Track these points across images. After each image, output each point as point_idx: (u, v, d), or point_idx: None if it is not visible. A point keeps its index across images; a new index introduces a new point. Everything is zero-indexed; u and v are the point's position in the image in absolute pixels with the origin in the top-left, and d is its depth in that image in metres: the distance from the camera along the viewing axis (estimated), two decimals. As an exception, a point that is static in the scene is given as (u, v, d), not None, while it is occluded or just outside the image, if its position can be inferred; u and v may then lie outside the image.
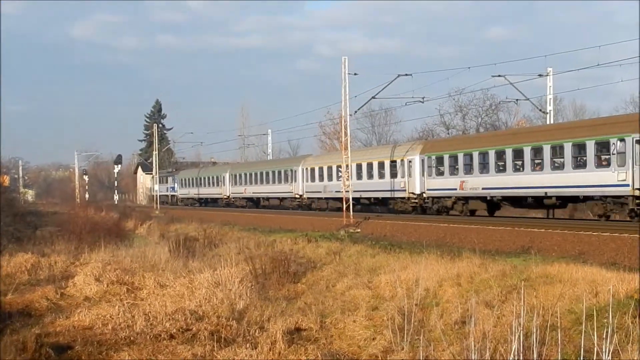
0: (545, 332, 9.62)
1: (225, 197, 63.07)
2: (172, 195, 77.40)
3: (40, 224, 39.89)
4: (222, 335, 12.53)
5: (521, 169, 30.38)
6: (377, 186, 39.95)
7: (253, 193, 57.64)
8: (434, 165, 35.72)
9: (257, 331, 12.69)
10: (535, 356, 8.92)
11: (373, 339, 12.18)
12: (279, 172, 52.62)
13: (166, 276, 18.59)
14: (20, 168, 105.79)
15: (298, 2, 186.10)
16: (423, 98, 38.65)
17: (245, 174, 59.26)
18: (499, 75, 37.10)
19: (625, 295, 11.93)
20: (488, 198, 32.60)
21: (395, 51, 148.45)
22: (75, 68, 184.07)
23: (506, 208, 34.44)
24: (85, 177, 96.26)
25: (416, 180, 36.91)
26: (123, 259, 22.39)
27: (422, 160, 36.55)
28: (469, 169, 33.36)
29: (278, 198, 53.97)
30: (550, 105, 40.76)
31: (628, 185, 24.96)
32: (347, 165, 35.10)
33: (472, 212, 33.96)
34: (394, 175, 38.71)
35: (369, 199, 41.59)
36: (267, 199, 56.21)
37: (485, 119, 61.16)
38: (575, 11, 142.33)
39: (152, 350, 12.13)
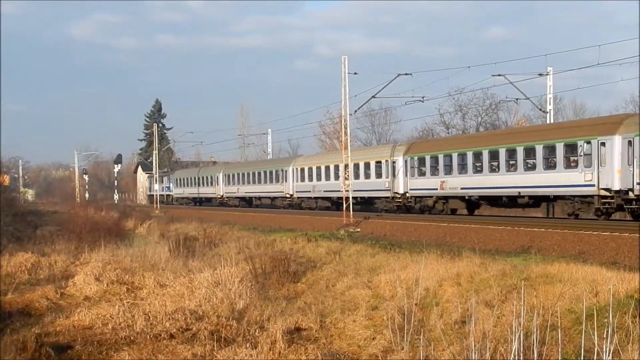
0: (545, 331, 9.62)
1: (219, 196, 64.20)
2: (168, 195, 77.74)
3: (40, 223, 39.90)
4: (222, 335, 12.53)
5: (497, 169, 31.75)
6: (363, 186, 41.07)
7: (246, 193, 58.87)
8: (417, 166, 37.11)
9: (257, 331, 12.69)
10: (535, 356, 8.92)
11: (373, 338, 12.18)
12: (271, 172, 53.72)
13: (166, 276, 18.60)
14: (20, 167, 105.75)
15: (297, 2, 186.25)
16: (423, 97, 38.67)
17: (238, 174, 60.39)
18: (499, 75, 37.08)
19: (625, 294, 11.92)
20: (466, 198, 34.02)
21: (395, 51, 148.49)
22: (74, 68, 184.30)
23: (485, 207, 35.90)
24: (85, 177, 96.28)
25: (400, 181, 38.30)
26: (123, 258, 22.41)
27: (406, 161, 38.01)
28: (448, 170, 34.74)
29: (270, 198, 55.11)
30: (550, 104, 40.74)
31: (594, 185, 26.41)
32: (346, 165, 35.22)
33: (453, 211, 35.29)
34: (379, 175, 40.04)
35: (355, 198, 42.29)
36: (259, 198, 57.49)
37: (485, 118, 61.22)
38: (575, 11, 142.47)
39: (152, 349, 12.13)
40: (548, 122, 40.00)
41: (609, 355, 8.29)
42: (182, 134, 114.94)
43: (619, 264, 15.76)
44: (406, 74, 36.62)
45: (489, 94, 57.11)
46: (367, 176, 40.90)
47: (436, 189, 35.42)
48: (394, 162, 38.79)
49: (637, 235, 17.60)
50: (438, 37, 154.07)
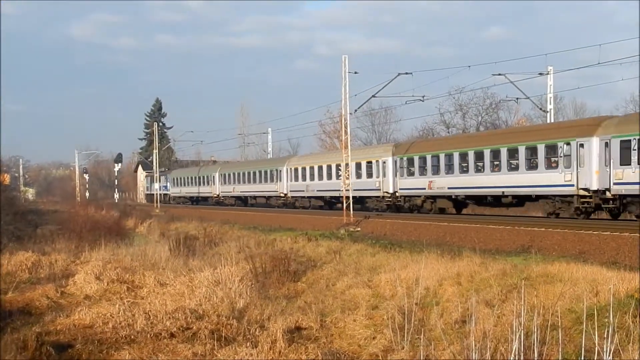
0: (545, 331, 9.61)
1: (215, 195, 65.37)
2: (165, 194, 78.06)
3: (40, 222, 39.90)
4: (223, 334, 12.54)
5: (482, 170, 32.84)
6: (355, 185, 41.69)
7: (241, 192, 60.16)
8: (406, 166, 38.20)
9: (257, 330, 12.69)
10: (535, 356, 8.91)
11: (373, 338, 12.18)
12: (265, 172, 54.98)
13: (166, 275, 18.61)
14: (21, 166, 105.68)
15: (297, 2, 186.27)
16: (423, 97, 38.67)
17: (234, 174, 61.59)
18: (500, 74, 37.07)
19: (625, 294, 11.91)
20: (453, 197, 35.14)
21: (394, 50, 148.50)
22: (74, 68, 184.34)
23: (472, 206, 36.86)
24: (86, 176, 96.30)
25: (390, 180, 39.32)
26: (123, 257, 22.42)
27: (395, 162, 39.11)
28: (436, 170, 35.79)
29: (264, 197, 56.25)
30: (550, 103, 40.74)
31: (573, 185, 27.46)
32: (347, 164, 35.32)
33: (442, 210, 36.20)
34: (369, 175, 40.97)
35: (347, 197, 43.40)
36: (255, 197, 58.72)
37: (486, 117, 61.24)
38: (575, 11, 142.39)
39: (152, 348, 12.14)
40: (549, 121, 40.04)
41: (609, 355, 8.28)
42: (182, 133, 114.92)
43: (619, 264, 15.75)
44: (406, 74, 36.59)
45: (489, 94, 57.23)
46: (359, 176, 41.71)
47: (424, 189, 36.38)
48: (384, 162, 39.84)
49: (638, 235, 17.59)
50: (438, 37, 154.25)
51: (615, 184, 25.57)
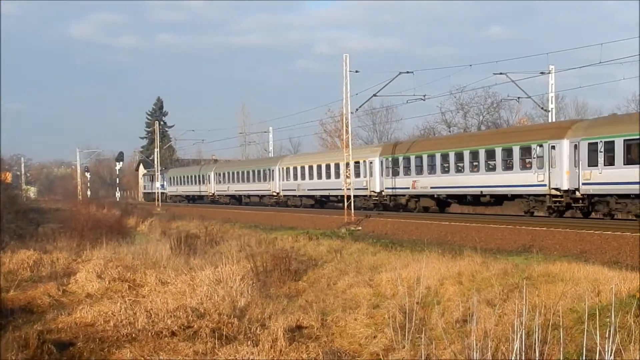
0: (547, 331, 9.62)
1: (210, 194, 66.66)
2: (162, 193, 78.46)
3: (42, 221, 39.93)
4: (224, 333, 12.55)
5: (462, 170, 34.22)
6: (343, 185, 42.83)
7: (235, 191, 61.53)
8: (391, 166, 39.41)
9: (258, 329, 12.70)
10: (537, 355, 8.91)
11: (374, 337, 12.19)
12: (259, 172, 56.25)
13: (168, 273, 18.63)
14: (23, 165, 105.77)
15: (297, 2, 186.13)
16: (424, 96, 38.59)
17: (229, 173, 63.04)
18: (501, 73, 36.97)
19: (627, 294, 11.89)
20: (435, 196, 36.60)
21: (395, 49, 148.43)
22: (74, 68, 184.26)
23: (454, 205, 38.25)
24: (87, 174, 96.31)
25: (376, 180, 40.53)
26: (125, 256, 22.44)
27: (381, 162, 40.35)
28: (419, 170, 37.13)
29: (258, 195, 57.70)
30: (552, 103, 40.67)
31: (545, 185, 28.69)
32: (347, 164, 35.42)
33: (426, 209, 37.51)
34: (357, 175, 41.79)
35: (336, 196, 45.18)
36: (249, 196, 60.03)
37: (487, 116, 61.20)
38: (576, 11, 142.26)
39: (153, 347, 12.15)
40: (550, 120, 40.00)
41: (610, 355, 8.28)
42: (183, 132, 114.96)
43: (620, 264, 15.73)
44: (407, 72, 36.54)
45: (491, 93, 57.19)
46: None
47: (408, 188, 37.69)
48: (371, 162, 41.02)
49: (639, 234, 17.58)
50: (438, 36, 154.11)
51: (583, 184, 26.79)
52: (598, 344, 8.39)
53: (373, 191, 40.49)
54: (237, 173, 60.89)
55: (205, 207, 57.09)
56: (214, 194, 65.84)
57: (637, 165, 24.34)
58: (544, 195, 28.95)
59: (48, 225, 36.50)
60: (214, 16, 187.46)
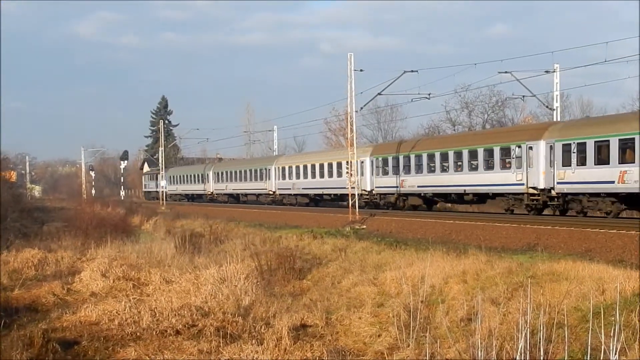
0: (551, 329, 9.58)
1: (209, 193, 67.75)
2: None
3: (47, 219, 40.03)
4: (228, 331, 12.56)
5: (447, 170, 35.54)
6: (335, 183, 44.66)
7: (233, 189, 62.71)
8: (381, 166, 40.86)
9: (262, 327, 12.70)
10: (541, 354, 8.90)
11: (379, 335, 12.18)
12: (255, 171, 57.48)
13: (172, 272, 18.64)
14: (27, 164, 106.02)
15: (300, 1, 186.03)
16: (429, 94, 38.49)
17: (227, 172, 64.18)
18: (506, 72, 36.91)
19: (632, 292, 11.87)
20: (422, 195, 37.88)
21: (397, 48, 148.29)
22: (75, 67, 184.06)
23: (441, 203, 39.55)
24: (92, 173, 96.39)
25: (367, 179, 41.63)
26: (129, 254, 22.47)
27: (372, 162, 41.59)
28: (407, 170, 38.36)
29: (255, 194, 58.84)
30: (557, 101, 40.57)
31: (523, 184, 29.94)
32: (348, 162, 35.53)
33: (414, 207, 38.67)
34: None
35: (329, 195, 46.45)
36: (246, 195, 61.19)
37: (492, 115, 61.08)
38: (581, 9, 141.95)
39: (158, 345, 12.16)
40: (555, 119, 39.92)
41: (615, 354, 8.26)
42: (188, 131, 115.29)
43: (625, 262, 15.68)
44: (412, 71, 36.48)
45: (495, 91, 57.05)
46: (340, 174, 44.06)
47: (397, 187, 38.92)
48: (362, 162, 41.50)
49: (644, 233, 17.54)
50: (442, 35, 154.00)
51: (558, 183, 28.04)
52: (603, 343, 8.37)
53: (364, 190, 41.34)
54: (235, 172, 62.02)
55: (206, 206, 57.29)
56: (212, 192, 66.80)
57: (607, 166, 25.50)
58: (522, 194, 30.13)
59: (53, 224, 36.59)
60: (216, 15, 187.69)
